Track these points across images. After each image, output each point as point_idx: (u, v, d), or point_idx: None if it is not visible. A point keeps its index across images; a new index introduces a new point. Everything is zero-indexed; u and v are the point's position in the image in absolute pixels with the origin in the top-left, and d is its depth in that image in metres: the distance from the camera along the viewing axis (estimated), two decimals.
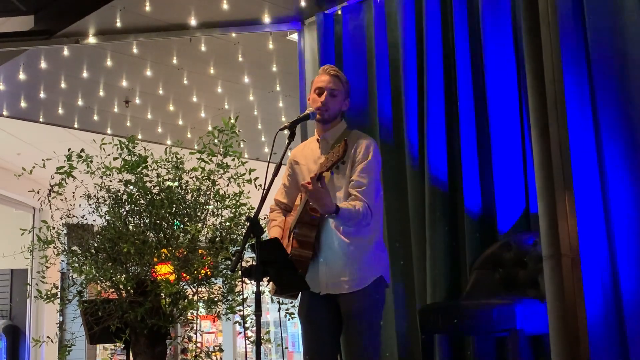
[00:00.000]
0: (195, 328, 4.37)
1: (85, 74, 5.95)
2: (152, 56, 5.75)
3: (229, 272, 4.12)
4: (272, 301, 3.96)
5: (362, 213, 2.93)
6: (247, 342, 3.98)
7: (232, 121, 4.25)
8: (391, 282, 3.23)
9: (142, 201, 4.16)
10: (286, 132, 3.00)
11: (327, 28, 4.78)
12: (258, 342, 2.64)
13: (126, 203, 4.17)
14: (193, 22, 5.07)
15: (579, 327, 2.84)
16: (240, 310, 4.12)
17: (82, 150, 4.20)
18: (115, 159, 4.21)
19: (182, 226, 4.15)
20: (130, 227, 4.14)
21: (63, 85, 6.15)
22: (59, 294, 4.21)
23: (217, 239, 4.13)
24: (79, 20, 4.95)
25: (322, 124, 3.17)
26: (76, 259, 4.14)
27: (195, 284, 4.10)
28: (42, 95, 6.32)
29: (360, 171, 3.02)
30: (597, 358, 2.99)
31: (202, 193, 4.24)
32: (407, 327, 4.18)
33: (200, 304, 4.15)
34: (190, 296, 4.12)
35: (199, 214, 4.21)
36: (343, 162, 2.76)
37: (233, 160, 4.26)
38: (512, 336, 3.23)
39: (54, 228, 4.20)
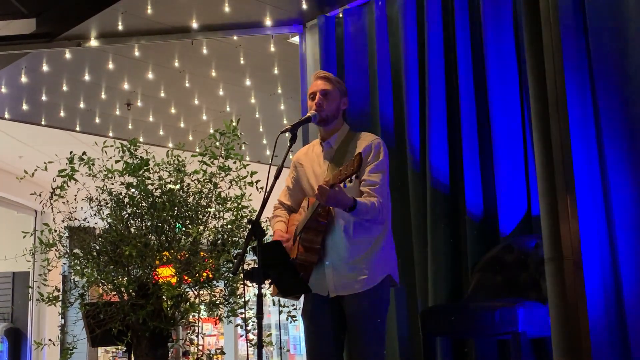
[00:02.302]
0: (196, 331, 4.37)
1: (87, 77, 5.96)
2: (154, 59, 5.76)
3: (231, 275, 4.12)
4: (274, 304, 3.96)
5: (377, 208, 2.97)
6: (249, 344, 3.98)
7: (234, 124, 4.25)
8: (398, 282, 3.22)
9: (144, 204, 4.16)
10: (288, 135, 3.00)
11: (328, 31, 4.78)
12: (260, 345, 2.64)
13: (128, 206, 4.18)
14: (195, 24, 5.07)
15: (581, 330, 2.84)
16: (241, 313, 4.13)
17: (84, 153, 4.21)
18: (117, 161, 4.22)
19: (183, 229, 4.15)
20: (132, 230, 4.15)
21: (65, 88, 6.16)
22: (60, 296, 4.21)
23: (219, 241, 4.14)
24: (81, 23, 4.96)
25: (323, 125, 3.18)
26: (78, 262, 4.15)
27: (197, 287, 4.10)
28: (44, 98, 6.33)
29: (371, 170, 3.05)
30: None
31: (203, 196, 4.24)
32: (409, 329, 4.18)
33: (202, 307, 4.15)
34: (192, 299, 4.12)
35: (200, 216, 4.21)
36: (357, 176, 2.78)
37: (234, 162, 4.27)
38: (514, 339, 3.23)
39: (55, 231, 4.21)
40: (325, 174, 3.09)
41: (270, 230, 3.32)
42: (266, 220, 3.51)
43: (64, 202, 4.20)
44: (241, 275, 2.70)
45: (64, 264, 4.87)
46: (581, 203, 3.03)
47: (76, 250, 4.21)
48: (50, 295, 4.12)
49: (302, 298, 3.22)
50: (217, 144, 4.24)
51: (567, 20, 3.30)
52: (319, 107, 3.13)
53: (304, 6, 4.85)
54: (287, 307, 4.06)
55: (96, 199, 4.23)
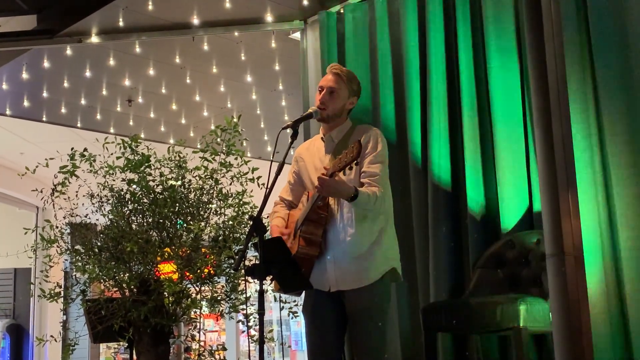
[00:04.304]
0: (198, 327, 4.38)
1: (88, 73, 5.96)
2: (155, 55, 5.75)
3: (232, 271, 4.12)
4: (275, 300, 3.96)
5: (378, 197, 2.95)
6: (250, 340, 3.98)
7: (235, 120, 4.25)
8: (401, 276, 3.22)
9: (145, 200, 4.16)
10: (289, 131, 2.99)
11: (329, 26, 4.78)
12: (261, 341, 2.64)
13: (129, 202, 4.18)
14: (196, 21, 5.07)
15: (582, 325, 2.84)
16: (243, 309, 4.13)
17: (85, 150, 4.21)
18: (118, 158, 4.22)
19: (185, 225, 4.15)
20: (134, 226, 4.15)
21: (66, 84, 6.16)
22: (62, 293, 4.22)
23: (220, 237, 4.14)
24: (82, 19, 4.96)
25: (324, 122, 3.16)
26: (79, 258, 4.15)
27: (198, 283, 4.10)
28: (45, 94, 6.34)
29: (370, 162, 3.02)
30: (600, 356, 2.99)
31: (205, 192, 4.24)
32: (410, 325, 4.18)
33: (204, 303, 4.16)
34: (194, 295, 4.12)
35: (202, 212, 4.22)
36: (357, 163, 2.76)
37: (236, 159, 4.26)
38: (516, 334, 3.23)
39: (57, 227, 4.21)
40: None
41: None
42: (267, 217, 3.51)
43: (65, 199, 4.20)
44: (242, 271, 2.70)
45: (66, 260, 4.88)
46: (582, 199, 3.03)
47: (78, 247, 4.22)
48: (52, 292, 4.12)
49: (303, 294, 3.22)
50: (218, 140, 4.23)
51: (569, 17, 3.29)
52: (322, 104, 3.10)
53: (305, 2, 4.85)
54: (289, 303, 4.06)
55: (97, 195, 4.23)
